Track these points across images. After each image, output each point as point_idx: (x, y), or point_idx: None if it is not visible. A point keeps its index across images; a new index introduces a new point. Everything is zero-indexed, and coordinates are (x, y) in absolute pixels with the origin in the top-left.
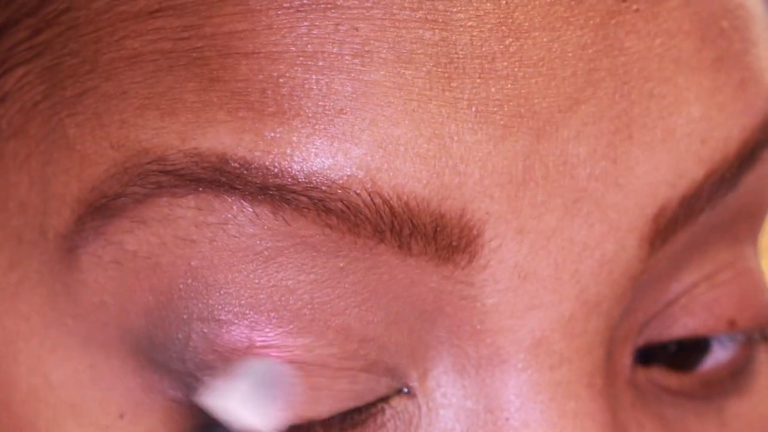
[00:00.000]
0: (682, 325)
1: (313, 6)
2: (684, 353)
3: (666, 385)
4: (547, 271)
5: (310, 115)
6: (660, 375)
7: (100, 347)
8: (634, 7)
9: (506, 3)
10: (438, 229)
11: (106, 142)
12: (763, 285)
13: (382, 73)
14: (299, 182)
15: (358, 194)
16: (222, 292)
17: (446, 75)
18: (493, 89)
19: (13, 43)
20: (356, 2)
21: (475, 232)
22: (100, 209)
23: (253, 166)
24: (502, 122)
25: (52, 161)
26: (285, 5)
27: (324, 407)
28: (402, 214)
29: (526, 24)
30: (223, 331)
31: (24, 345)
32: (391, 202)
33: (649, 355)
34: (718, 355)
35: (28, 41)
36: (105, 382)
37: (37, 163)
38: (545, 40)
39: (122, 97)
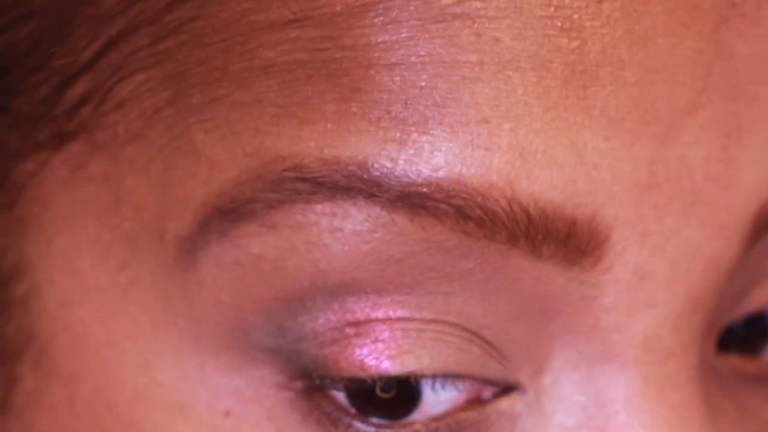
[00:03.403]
0: (754, 301)
1: (454, 16)
2: (752, 337)
3: (742, 371)
4: (663, 271)
5: (453, 124)
6: (737, 362)
7: (209, 345)
8: (742, 11)
9: (634, 9)
10: (570, 234)
11: (238, 149)
12: None
13: (522, 82)
14: (441, 189)
15: (497, 201)
16: (348, 287)
17: (581, 83)
18: (623, 96)
19: (131, 50)
20: (495, 12)
21: (602, 236)
22: (228, 213)
23: (394, 174)
24: (631, 128)
25: (175, 166)
26: (425, 16)
27: (426, 361)
28: (538, 221)
29: (652, 30)
30: (345, 310)
31: (131, 346)
32: (529, 209)
33: (722, 341)
34: None
35: (149, 48)
36: (212, 381)
37: (158, 168)
38: (668, 46)
39: (256, 105)
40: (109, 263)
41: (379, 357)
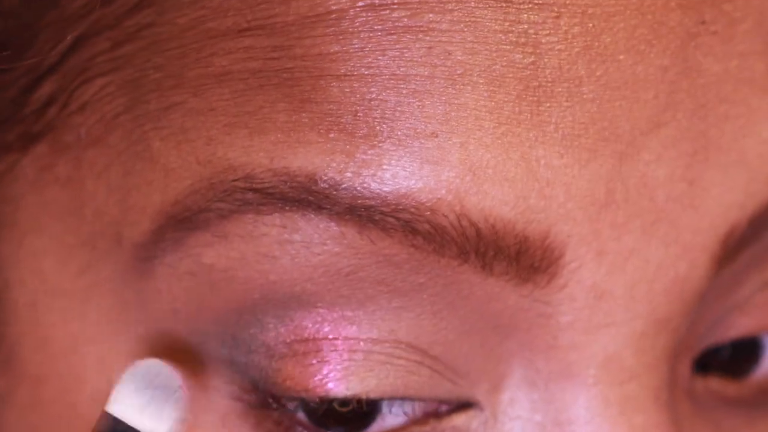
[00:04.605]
0: (738, 327)
1: (406, 29)
2: (739, 359)
3: (722, 394)
4: (622, 291)
5: (402, 137)
6: (717, 384)
7: (165, 352)
8: (712, 28)
9: (593, 26)
10: (521, 251)
11: (192, 157)
12: None
13: (473, 96)
14: (388, 204)
15: (445, 216)
16: (298, 299)
17: (535, 99)
18: (579, 113)
19: (93, 53)
20: (448, 26)
21: (556, 254)
22: (182, 222)
23: (342, 186)
24: (587, 146)
25: (133, 172)
26: (377, 28)
27: (372, 383)
28: (488, 237)
29: (612, 47)
30: (296, 325)
31: (91, 349)
32: (478, 224)
33: (704, 362)
34: None
35: (109, 53)
36: None
37: (117, 173)
38: (630, 63)
39: (210, 113)
40: (72, 266)
41: (324, 378)
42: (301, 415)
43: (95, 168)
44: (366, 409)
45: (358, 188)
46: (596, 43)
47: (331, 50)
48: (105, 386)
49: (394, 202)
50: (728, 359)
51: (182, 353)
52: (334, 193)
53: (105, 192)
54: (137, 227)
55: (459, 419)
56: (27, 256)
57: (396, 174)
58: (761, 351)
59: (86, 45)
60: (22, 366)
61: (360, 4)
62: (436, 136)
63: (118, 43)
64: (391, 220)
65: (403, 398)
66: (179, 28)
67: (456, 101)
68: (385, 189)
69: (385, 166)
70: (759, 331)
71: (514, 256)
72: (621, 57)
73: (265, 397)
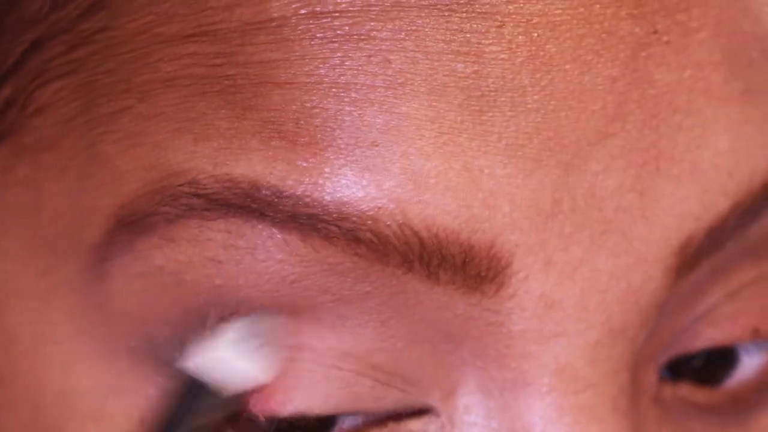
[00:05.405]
0: (707, 338)
1: (347, 37)
2: (712, 366)
3: (694, 401)
4: (572, 301)
5: (343, 146)
6: (688, 391)
7: (125, 355)
8: (665, 38)
9: (538, 35)
10: (467, 260)
11: (139, 162)
12: None
13: (414, 105)
14: (330, 212)
15: (388, 225)
16: (245, 306)
17: (477, 108)
18: (523, 123)
19: (49, 57)
20: (389, 34)
21: (503, 263)
22: (132, 225)
23: (284, 194)
24: (531, 156)
25: (86, 175)
26: (318, 35)
27: (318, 400)
28: (431, 246)
29: (558, 57)
30: None
31: (54, 350)
32: (421, 233)
33: (677, 369)
34: (747, 366)
35: (64, 56)
36: (128, 389)
37: (72, 176)
38: (576, 73)
39: (157, 118)
40: (34, 267)
41: (266, 396)
42: (260, 419)
43: (52, 170)
44: (318, 424)
45: (300, 196)
46: (541, 53)
47: (273, 57)
48: (67, 388)
49: (335, 210)
50: (702, 366)
51: (139, 355)
52: (276, 200)
53: (61, 194)
54: (92, 230)
55: (415, 424)
56: None
57: (337, 182)
58: (735, 359)
59: (43, 48)
60: None
61: (302, 11)
62: (377, 145)
63: (72, 47)
64: (333, 228)
65: (350, 412)
66: (130, 33)
67: (396, 110)
68: (327, 197)
69: (326, 175)
70: (727, 343)
71: (460, 265)
72: (567, 66)
73: None
